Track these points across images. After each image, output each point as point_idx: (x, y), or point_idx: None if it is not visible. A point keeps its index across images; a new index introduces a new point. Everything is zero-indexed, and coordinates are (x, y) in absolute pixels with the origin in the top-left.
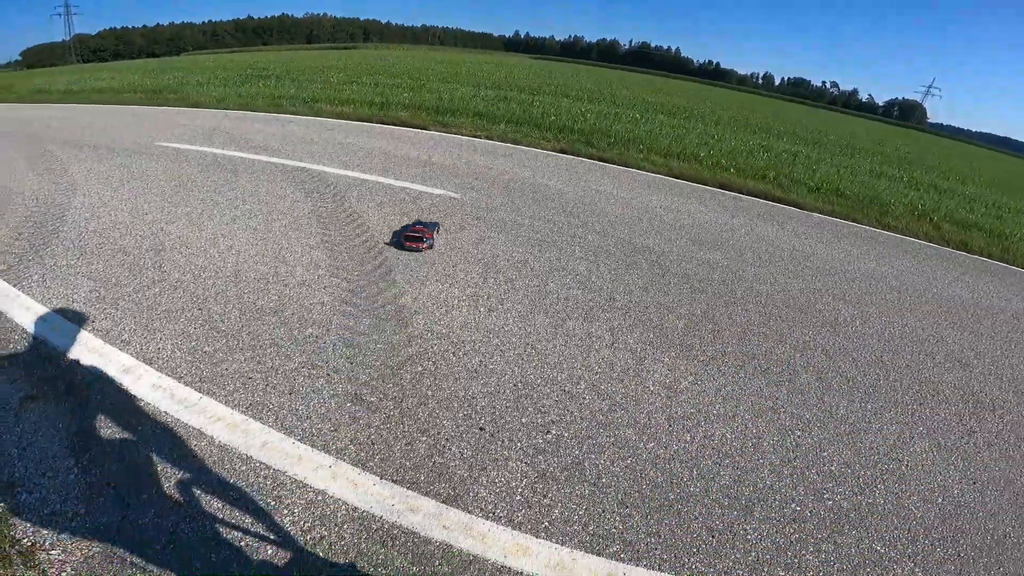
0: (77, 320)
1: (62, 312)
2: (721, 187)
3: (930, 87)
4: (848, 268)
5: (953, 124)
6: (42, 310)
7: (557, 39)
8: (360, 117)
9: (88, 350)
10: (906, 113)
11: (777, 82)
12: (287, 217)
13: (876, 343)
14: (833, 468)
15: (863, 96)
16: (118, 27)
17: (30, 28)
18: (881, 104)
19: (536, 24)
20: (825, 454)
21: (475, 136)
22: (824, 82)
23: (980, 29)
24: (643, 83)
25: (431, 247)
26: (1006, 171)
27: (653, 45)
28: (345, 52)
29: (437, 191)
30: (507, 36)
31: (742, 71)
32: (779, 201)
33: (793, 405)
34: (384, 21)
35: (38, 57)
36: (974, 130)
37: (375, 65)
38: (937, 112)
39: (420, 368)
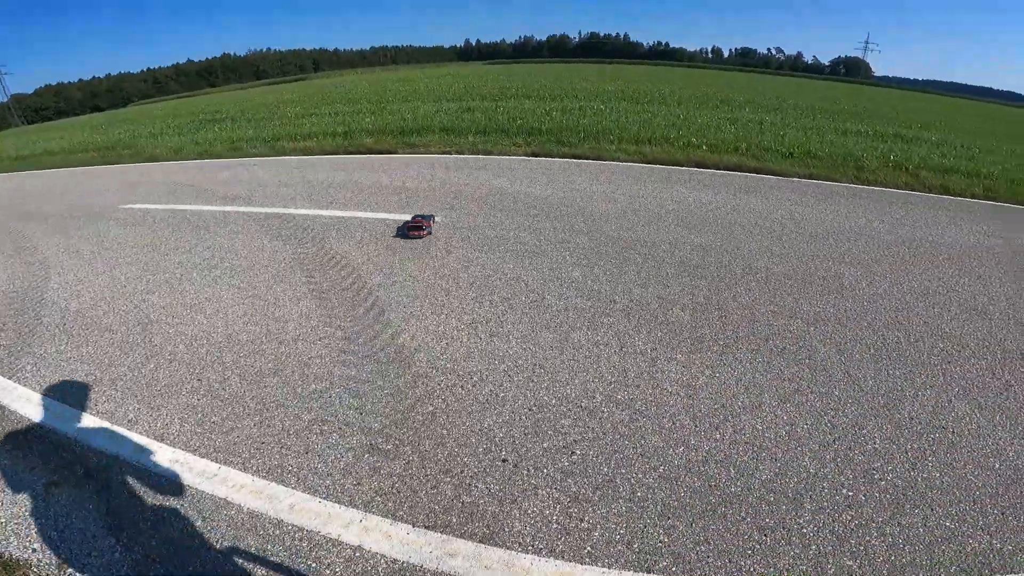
0: (79, 405)
1: (62, 399)
2: (697, 166)
3: (867, 42)
4: (841, 228)
5: (899, 75)
6: (43, 399)
7: (508, 42)
8: (325, 150)
9: (98, 433)
10: (852, 70)
11: (726, 54)
12: (269, 270)
13: (888, 303)
14: (877, 445)
15: (808, 58)
16: (54, 83)
17: None
18: (827, 64)
19: (486, 30)
20: (865, 431)
21: (445, 153)
22: (769, 49)
23: None
24: (599, 73)
25: (430, 233)
26: (961, 114)
27: (602, 34)
28: (298, 84)
29: None
30: (459, 46)
31: (691, 48)
32: (756, 171)
33: (819, 384)
34: (332, 48)
35: None
36: (920, 79)
37: (331, 94)
38: (881, 66)
39: (431, 407)
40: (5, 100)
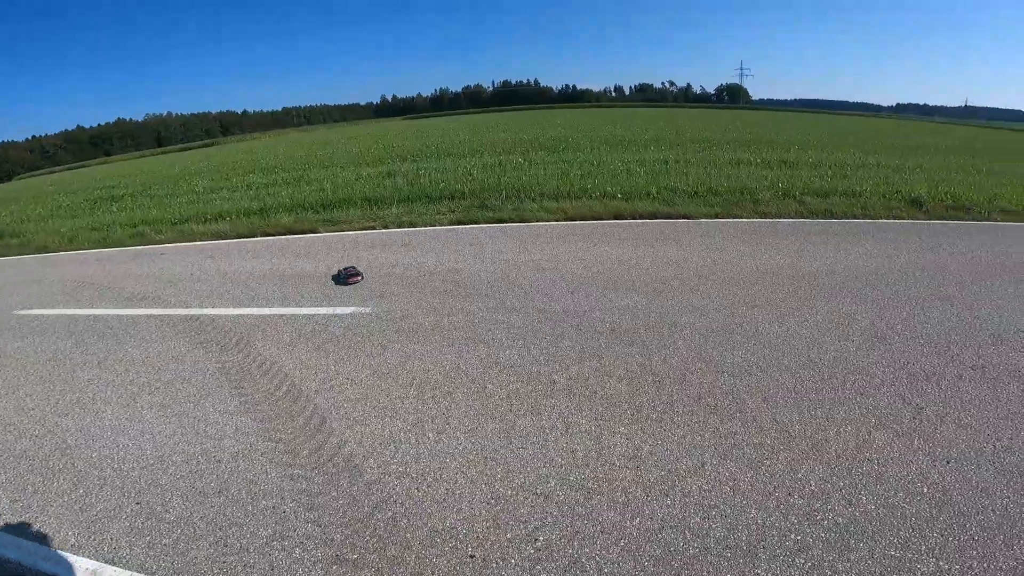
0: (17, 532)
1: None
2: (616, 218)
3: (742, 69)
4: (749, 270)
5: (774, 97)
6: None
7: (424, 95)
8: (240, 232)
9: (44, 559)
10: (734, 96)
11: (627, 91)
12: (193, 383)
13: (800, 342)
14: (813, 487)
15: (696, 88)
16: None
17: None
18: (712, 92)
19: (401, 84)
20: (800, 475)
21: (369, 228)
22: (664, 83)
23: (773, 11)
24: (514, 122)
25: (363, 278)
26: (828, 131)
27: (514, 81)
28: (204, 151)
29: (346, 309)
30: (375, 102)
31: (596, 88)
32: (668, 216)
33: (752, 435)
34: (240, 111)
35: None
36: (791, 98)
37: (242, 162)
38: (756, 90)
39: (390, 512)
40: None
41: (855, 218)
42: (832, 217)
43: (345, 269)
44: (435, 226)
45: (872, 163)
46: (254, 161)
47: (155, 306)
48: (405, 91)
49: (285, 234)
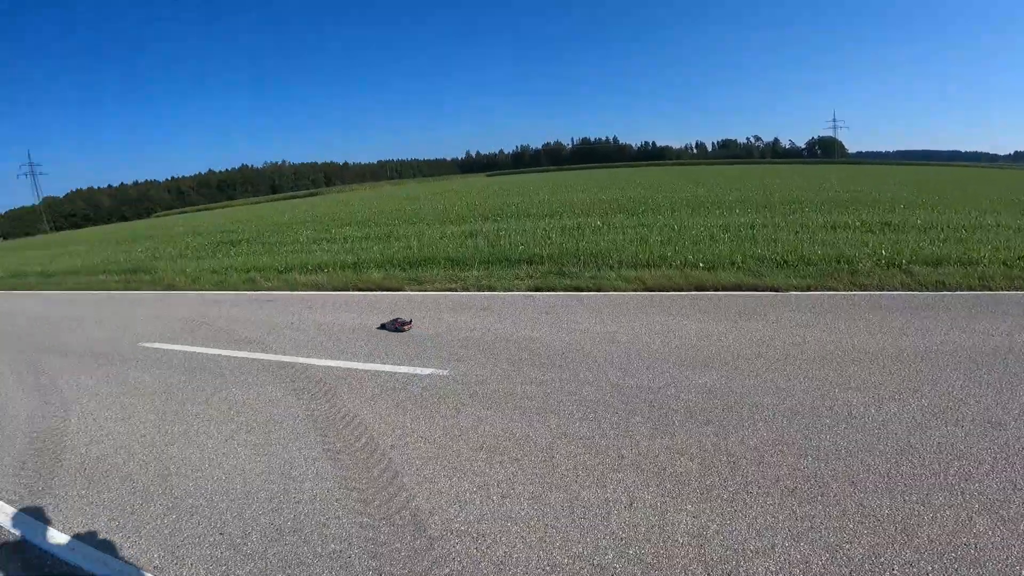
0: (106, 548)
1: (88, 541)
2: (697, 289)
3: (835, 121)
4: (845, 348)
5: (873, 149)
6: (68, 540)
7: (507, 151)
8: (335, 285)
9: None
10: (827, 150)
11: (710, 147)
12: (283, 426)
13: (899, 427)
14: (896, 571)
15: (785, 142)
16: (85, 188)
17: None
18: (803, 147)
19: (485, 140)
20: (883, 559)
21: (450, 289)
22: (748, 138)
23: (868, 55)
24: (593, 181)
25: (412, 325)
26: (937, 184)
27: (593, 139)
28: (310, 201)
29: (425, 370)
30: (460, 158)
31: (677, 145)
32: (754, 289)
33: (831, 518)
34: (342, 162)
35: (13, 225)
36: (893, 150)
37: (340, 214)
38: (853, 142)
39: (448, 569)
40: (38, 203)
41: (971, 290)
42: (944, 289)
43: (396, 319)
44: (513, 291)
45: (991, 223)
46: (351, 213)
47: (258, 350)
48: (488, 147)
49: (375, 290)
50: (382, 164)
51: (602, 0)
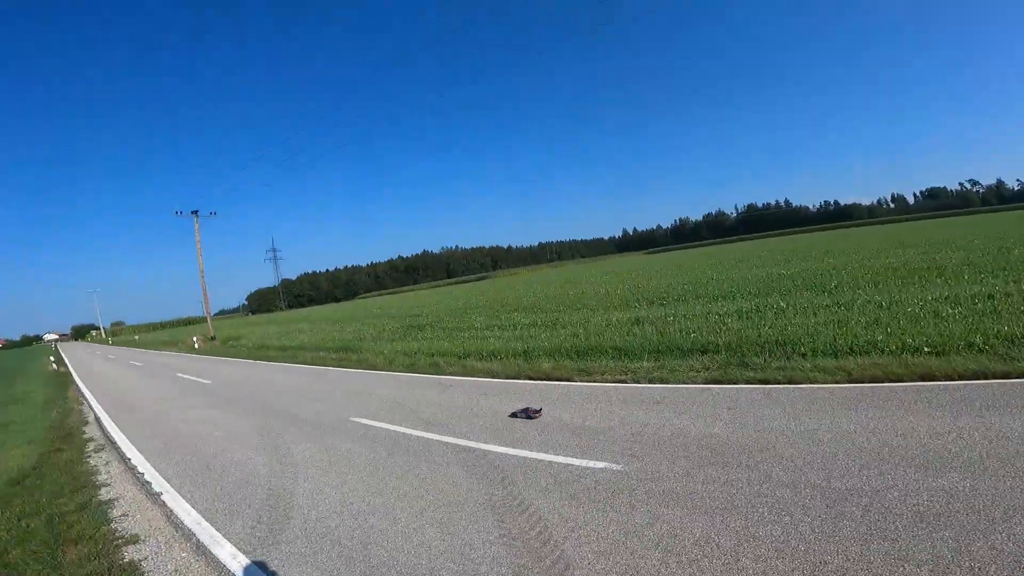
0: None
1: None
2: (922, 379)
3: None
4: None
5: None
6: None
7: (664, 226)
8: (508, 373)
9: None
10: None
11: (911, 199)
12: (466, 509)
13: None
14: None
15: (1011, 184)
16: (310, 272)
17: (251, 269)
18: None
19: (641, 216)
20: None
21: (620, 381)
22: (962, 184)
23: None
24: (766, 252)
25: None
26: None
27: (760, 204)
28: (479, 285)
29: (599, 464)
30: (617, 236)
31: (866, 201)
32: (1004, 376)
33: None
34: (506, 246)
35: (258, 302)
36: None
37: (508, 298)
38: None
39: None
40: (276, 284)
41: None
42: None
43: (526, 409)
44: (688, 383)
45: None
46: (517, 298)
47: (444, 433)
48: (645, 223)
49: (545, 379)
50: (542, 246)
51: (762, 47)
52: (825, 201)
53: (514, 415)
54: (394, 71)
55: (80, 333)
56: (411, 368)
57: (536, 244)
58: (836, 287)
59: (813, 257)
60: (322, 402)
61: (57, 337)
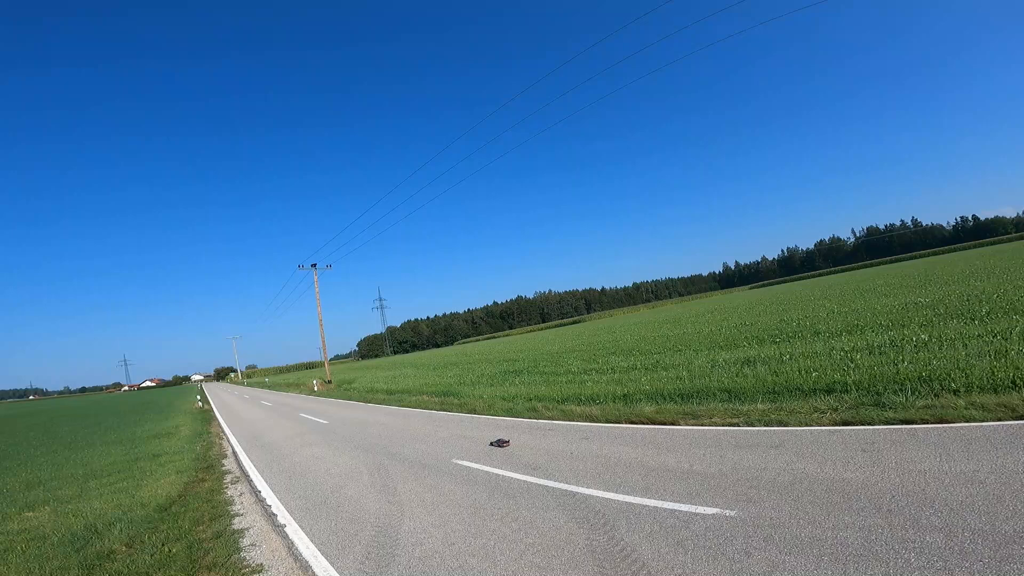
0: None
1: None
2: None
3: None
4: None
5: None
6: None
7: (770, 257)
8: (608, 417)
9: None
10: None
11: None
12: (566, 553)
13: None
14: None
15: None
16: (413, 319)
17: (361, 317)
18: None
19: (744, 248)
20: None
21: (731, 424)
22: None
23: None
24: (895, 279)
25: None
26: None
27: (882, 226)
28: (574, 328)
29: (709, 510)
30: (717, 272)
31: (1011, 212)
32: None
33: None
34: (599, 288)
35: (367, 347)
36: None
37: (604, 341)
38: None
39: None
40: (383, 331)
41: None
42: None
43: (499, 439)
44: (812, 426)
45: None
46: (614, 341)
47: (543, 477)
48: (748, 256)
49: (647, 423)
50: (637, 287)
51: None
52: (961, 217)
53: (498, 443)
54: (484, 128)
55: (220, 375)
56: (510, 412)
57: (631, 284)
58: (988, 314)
59: (955, 281)
60: (426, 443)
61: (202, 378)
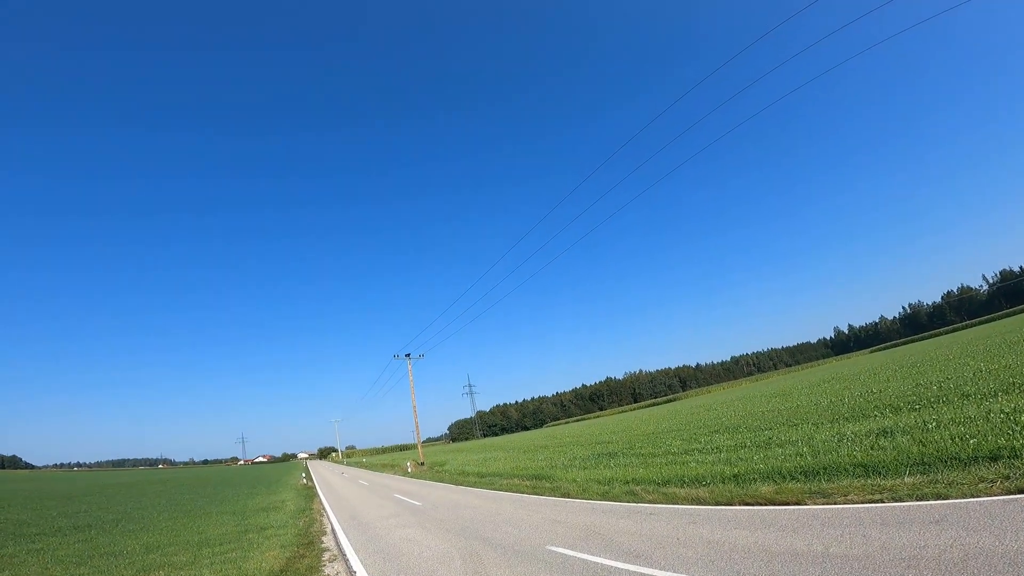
0: None
1: None
2: None
3: None
4: None
5: None
6: None
7: (889, 317)
8: (718, 500)
9: None
10: None
11: None
12: None
13: None
14: None
15: None
16: (501, 403)
17: (451, 400)
18: None
19: (857, 310)
20: None
21: (872, 501)
22: None
23: None
24: None
25: None
26: None
27: (1018, 268)
28: (670, 407)
29: None
30: (828, 337)
31: None
32: None
33: None
34: (694, 364)
35: (458, 430)
36: None
37: (705, 419)
38: None
39: None
40: (472, 415)
41: None
42: None
43: None
44: (977, 497)
45: None
46: (716, 418)
47: (646, 565)
48: (863, 317)
49: (767, 504)
50: (736, 360)
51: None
52: None
53: None
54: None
55: (323, 454)
56: (606, 496)
57: (728, 359)
58: None
59: None
60: (519, 528)
61: (307, 456)
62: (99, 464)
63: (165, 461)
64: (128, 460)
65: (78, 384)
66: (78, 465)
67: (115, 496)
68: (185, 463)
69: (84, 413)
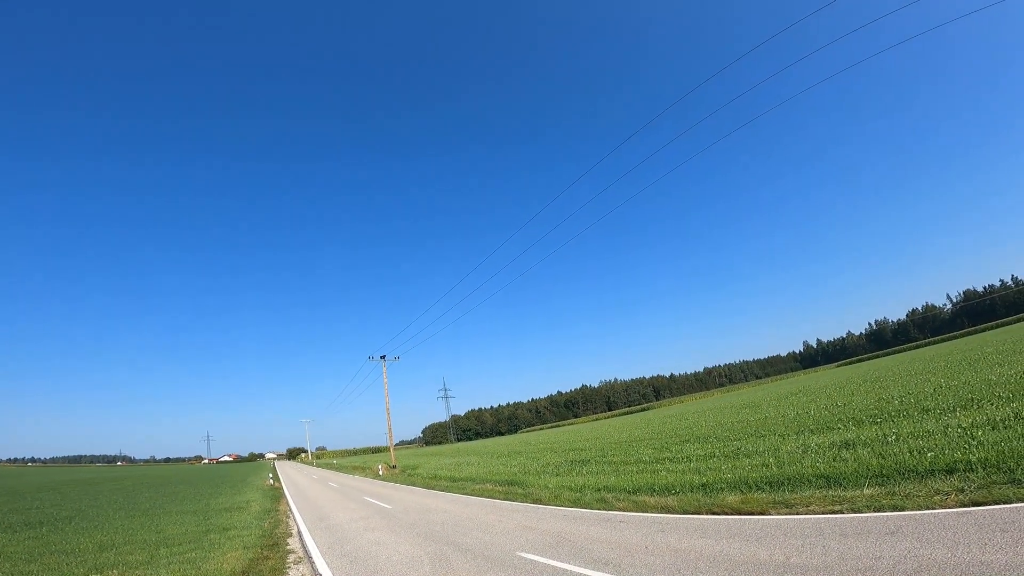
0: None
1: None
2: None
3: None
4: None
5: None
6: None
7: (856, 332)
8: (686, 508)
9: None
10: None
11: None
12: None
13: None
14: None
15: None
16: (476, 408)
17: (426, 404)
18: None
19: (826, 325)
20: None
21: (832, 512)
22: None
23: None
24: (1008, 345)
25: None
26: None
27: (981, 288)
28: (643, 415)
29: None
30: (797, 351)
31: None
32: None
33: None
34: (667, 374)
35: (432, 435)
36: None
37: (677, 428)
38: None
39: None
40: (447, 419)
41: None
42: None
43: None
44: (934, 508)
45: None
46: (688, 428)
47: (615, 573)
48: (831, 332)
49: (733, 514)
50: (708, 371)
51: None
52: None
53: None
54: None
55: (292, 454)
56: (577, 503)
57: (701, 369)
58: None
59: None
60: (490, 534)
61: (275, 456)
62: (54, 460)
63: (124, 458)
64: (85, 456)
65: (31, 375)
66: (32, 460)
67: (69, 493)
68: (146, 460)
69: (38, 406)
